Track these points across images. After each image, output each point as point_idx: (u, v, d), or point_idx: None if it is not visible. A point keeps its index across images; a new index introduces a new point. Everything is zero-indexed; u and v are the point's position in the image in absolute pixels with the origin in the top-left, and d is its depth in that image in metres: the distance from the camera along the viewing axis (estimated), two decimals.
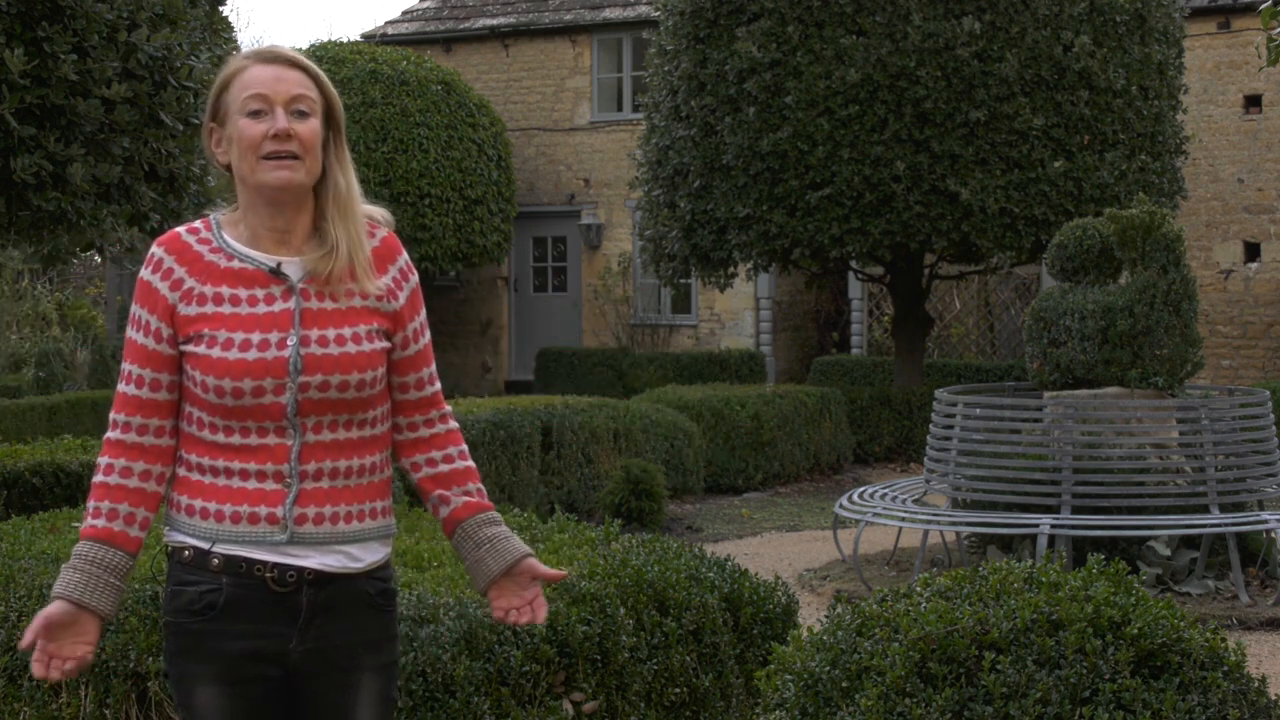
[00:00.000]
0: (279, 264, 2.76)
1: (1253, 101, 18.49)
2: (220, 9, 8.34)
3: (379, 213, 2.87)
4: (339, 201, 2.77)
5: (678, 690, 4.33)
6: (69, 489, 7.40)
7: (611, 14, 21.37)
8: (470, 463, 2.95)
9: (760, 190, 14.37)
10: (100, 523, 2.74)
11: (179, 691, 2.76)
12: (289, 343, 2.71)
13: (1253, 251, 18.57)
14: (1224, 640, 3.17)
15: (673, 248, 15.28)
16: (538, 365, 20.51)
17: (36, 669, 2.68)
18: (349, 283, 2.77)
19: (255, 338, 2.70)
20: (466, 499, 2.90)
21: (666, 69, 15.17)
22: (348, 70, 18.91)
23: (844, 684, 3.10)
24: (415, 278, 2.89)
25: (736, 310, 20.75)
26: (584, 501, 10.96)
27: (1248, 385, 15.45)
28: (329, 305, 2.76)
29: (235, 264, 2.76)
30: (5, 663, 4.19)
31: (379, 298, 2.80)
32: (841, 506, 8.96)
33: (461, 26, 22.35)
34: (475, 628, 3.91)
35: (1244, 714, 3.07)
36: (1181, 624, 3.10)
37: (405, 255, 2.89)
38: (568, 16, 21.61)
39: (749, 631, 4.70)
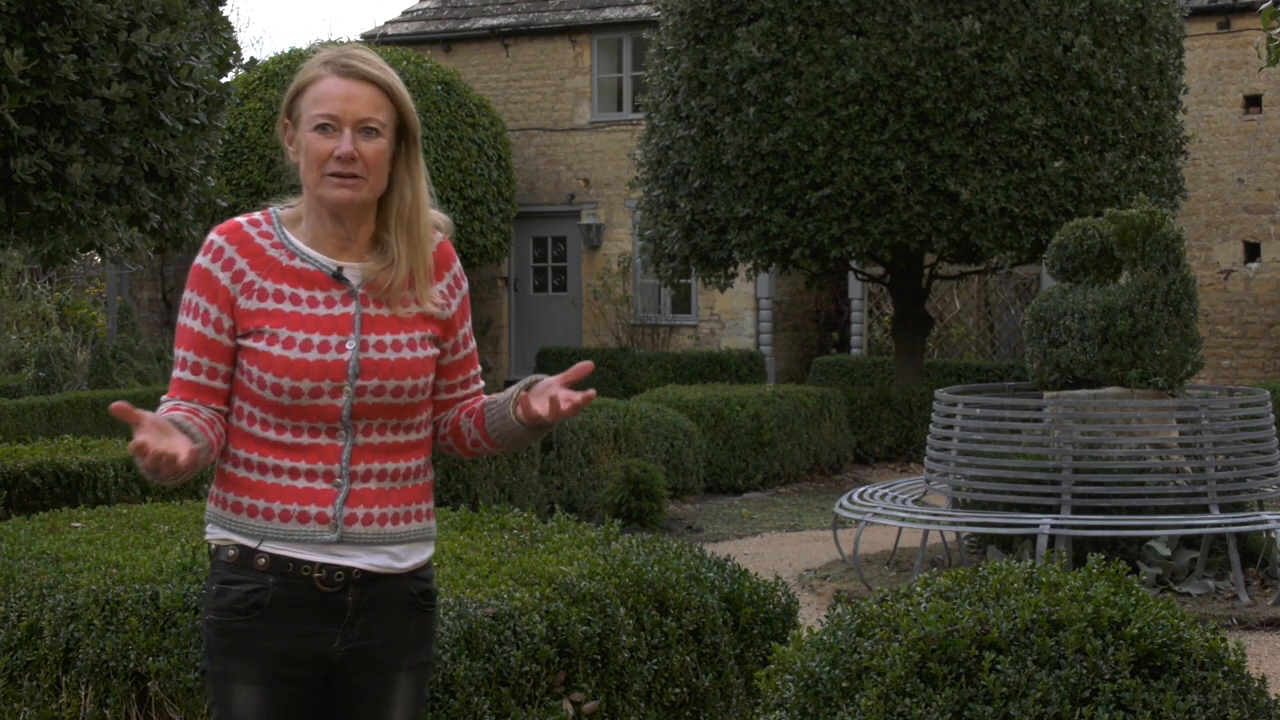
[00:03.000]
0: (340, 268, 2.77)
1: (1253, 101, 18.49)
2: (220, 9, 8.33)
3: (439, 218, 2.88)
4: (403, 216, 2.78)
5: (678, 690, 4.33)
6: (69, 489, 7.40)
7: (611, 14, 21.37)
8: None
9: (760, 190, 14.37)
10: (177, 414, 2.68)
11: (216, 689, 2.76)
12: (348, 346, 2.73)
13: (1253, 251, 18.56)
14: (1224, 640, 3.17)
15: (673, 248, 15.27)
16: (538, 365, 20.51)
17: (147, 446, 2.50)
18: (407, 291, 2.79)
19: (316, 339, 2.72)
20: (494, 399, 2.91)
21: (666, 69, 15.17)
22: None
23: (844, 684, 3.10)
24: (466, 284, 2.93)
25: (736, 310, 20.75)
26: (584, 501, 10.96)
27: (1248, 385, 15.45)
28: (386, 312, 2.78)
29: (297, 263, 2.77)
30: (5, 662, 4.19)
31: (434, 305, 2.83)
32: (841, 506, 8.96)
33: (461, 26, 22.35)
34: (475, 628, 3.91)
35: (1244, 714, 3.06)
36: (1181, 624, 3.10)
37: (458, 263, 2.92)
38: (568, 16, 21.60)
39: (749, 631, 4.70)
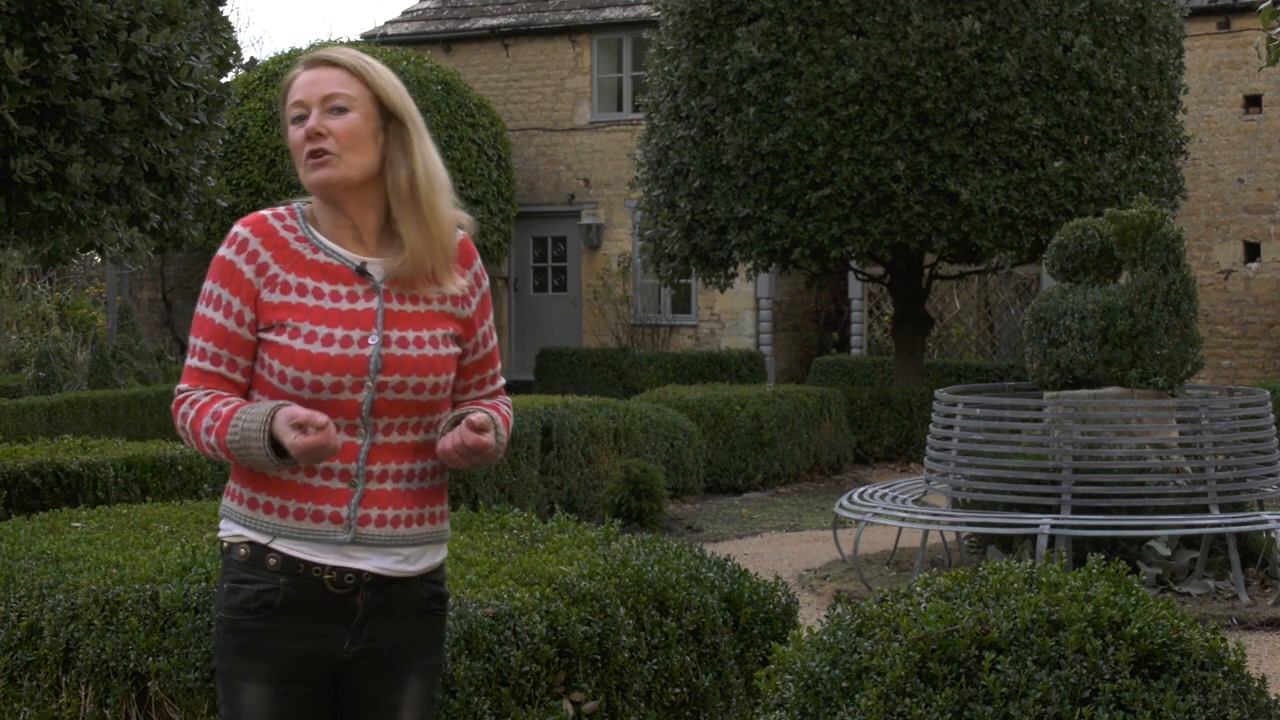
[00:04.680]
0: (364, 263, 2.76)
1: (1253, 101, 18.49)
2: (220, 9, 8.32)
3: (462, 217, 2.86)
4: (402, 196, 2.76)
5: (678, 690, 4.33)
6: (69, 489, 7.40)
7: (611, 14, 21.36)
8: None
9: (760, 190, 14.37)
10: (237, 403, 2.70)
11: (225, 688, 2.75)
12: (370, 342, 2.72)
13: (1253, 251, 18.56)
14: (1224, 640, 3.16)
15: (673, 248, 15.27)
16: (538, 365, 20.51)
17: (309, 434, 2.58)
18: (429, 282, 2.78)
19: (338, 333, 2.71)
20: (483, 408, 2.88)
21: (666, 69, 15.17)
22: None
23: (844, 684, 3.10)
24: (487, 283, 2.93)
25: (736, 310, 20.75)
26: (584, 501, 10.96)
27: (1248, 385, 15.45)
28: (409, 308, 2.77)
29: (321, 257, 2.76)
30: (5, 662, 4.19)
31: (455, 301, 2.82)
32: (841, 506, 8.96)
33: (461, 26, 22.34)
34: (475, 628, 3.91)
35: (1244, 714, 3.06)
36: (1181, 624, 3.10)
37: (479, 261, 2.91)
38: (568, 16, 21.60)
39: (749, 631, 4.70)
